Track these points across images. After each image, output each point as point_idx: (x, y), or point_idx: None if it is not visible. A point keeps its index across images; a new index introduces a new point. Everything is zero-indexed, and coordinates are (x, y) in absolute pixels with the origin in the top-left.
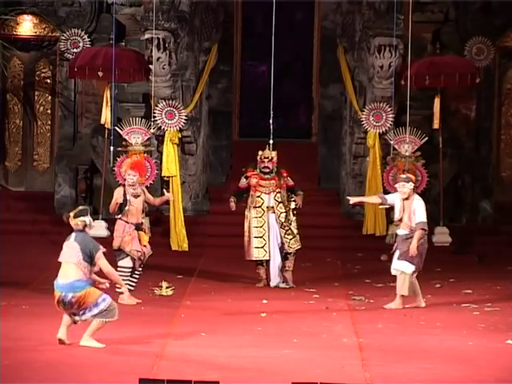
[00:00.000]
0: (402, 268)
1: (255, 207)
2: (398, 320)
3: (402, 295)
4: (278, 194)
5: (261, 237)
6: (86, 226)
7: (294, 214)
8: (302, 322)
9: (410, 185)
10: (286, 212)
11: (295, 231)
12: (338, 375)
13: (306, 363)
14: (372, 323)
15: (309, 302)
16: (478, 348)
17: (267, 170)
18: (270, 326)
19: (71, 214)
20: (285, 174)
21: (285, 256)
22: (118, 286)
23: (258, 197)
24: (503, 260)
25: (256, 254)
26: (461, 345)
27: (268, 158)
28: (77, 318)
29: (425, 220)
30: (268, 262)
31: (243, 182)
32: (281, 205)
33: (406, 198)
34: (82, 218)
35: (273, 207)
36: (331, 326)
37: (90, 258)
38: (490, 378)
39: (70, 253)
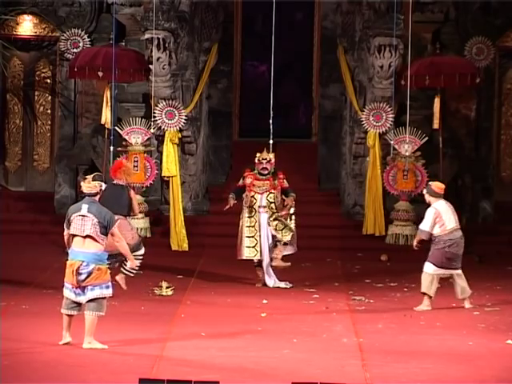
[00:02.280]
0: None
1: (249, 207)
2: (398, 320)
3: (428, 296)
4: (271, 195)
5: (252, 236)
6: (99, 191)
7: (291, 219)
8: (302, 322)
9: (425, 191)
10: (277, 212)
11: (291, 227)
12: (337, 375)
13: (305, 363)
14: (372, 323)
15: (309, 301)
16: (478, 348)
17: (266, 172)
18: (269, 326)
19: (89, 177)
20: (281, 176)
21: (274, 244)
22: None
23: (252, 196)
24: (503, 260)
25: (247, 254)
26: (461, 345)
27: (266, 159)
28: (81, 297)
29: (423, 228)
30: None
31: (240, 182)
32: (272, 205)
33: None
34: (99, 182)
35: (265, 207)
36: (331, 325)
37: (105, 230)
38: (490, 378)
39: (87, 226)
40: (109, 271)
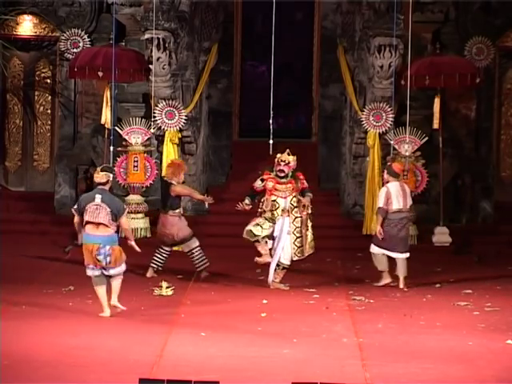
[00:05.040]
0: None
1: (270, 210)
2: (398, 320)
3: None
4: (294, 198)
5: (273, 239)
6: (108, 181)
7: (310, 219)
8: (302, 322)
9: (385, 172)
10: (301, 217)
11: (309, 238)
12: (337, 375)
13: (305, 363)
14: (372, 323)
15: (309, 302)
16: (478, 348)
17: (282, 174)
18: (269, 326)
19: (98, 169)
20: (301, 177)
21: (274, 269)
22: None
23: (274, 200)
24: (503, 260)
25: (256, 232)
26: (461, 345)
27: (285, 161)
28: (105, 272)
29: (378, 206)
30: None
31: (259, 184)
32: (296, 209)
33: None
34: (107, 173)
35: (288, 211)
36: (331, 325)
37: (116, 217)
38: (491, 378)
39: (101, 214)
40: (120, 247)
